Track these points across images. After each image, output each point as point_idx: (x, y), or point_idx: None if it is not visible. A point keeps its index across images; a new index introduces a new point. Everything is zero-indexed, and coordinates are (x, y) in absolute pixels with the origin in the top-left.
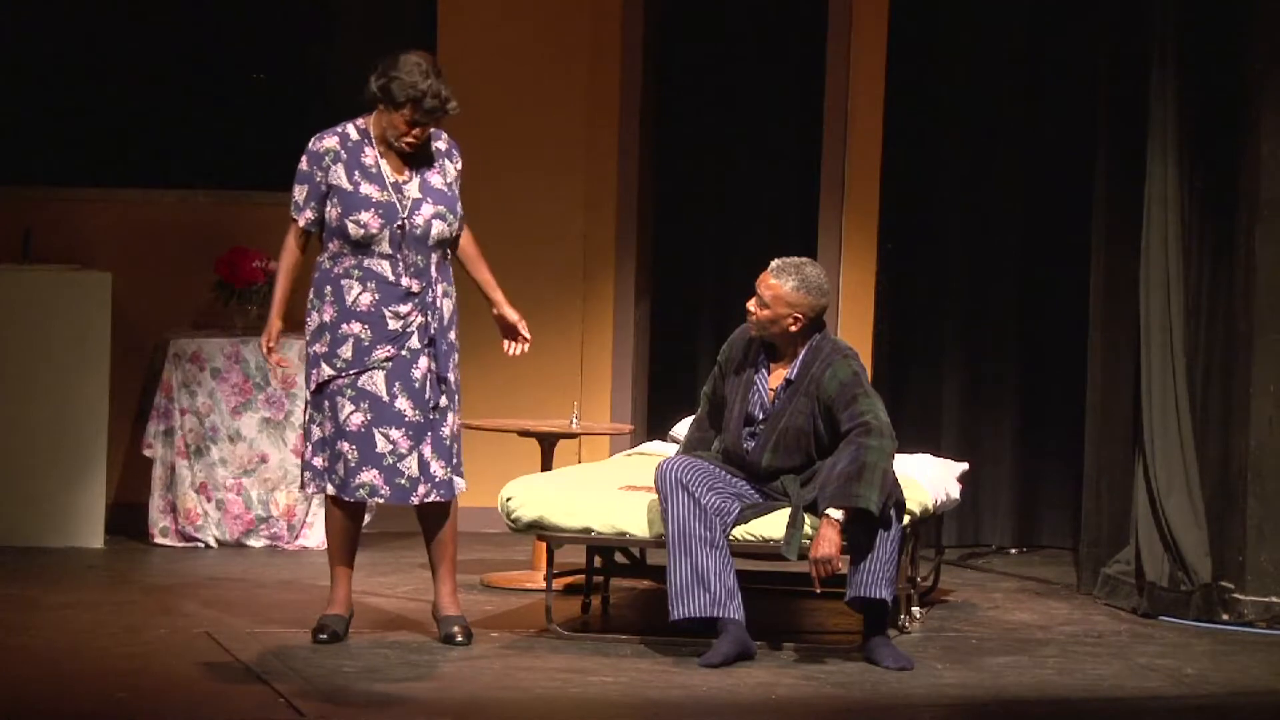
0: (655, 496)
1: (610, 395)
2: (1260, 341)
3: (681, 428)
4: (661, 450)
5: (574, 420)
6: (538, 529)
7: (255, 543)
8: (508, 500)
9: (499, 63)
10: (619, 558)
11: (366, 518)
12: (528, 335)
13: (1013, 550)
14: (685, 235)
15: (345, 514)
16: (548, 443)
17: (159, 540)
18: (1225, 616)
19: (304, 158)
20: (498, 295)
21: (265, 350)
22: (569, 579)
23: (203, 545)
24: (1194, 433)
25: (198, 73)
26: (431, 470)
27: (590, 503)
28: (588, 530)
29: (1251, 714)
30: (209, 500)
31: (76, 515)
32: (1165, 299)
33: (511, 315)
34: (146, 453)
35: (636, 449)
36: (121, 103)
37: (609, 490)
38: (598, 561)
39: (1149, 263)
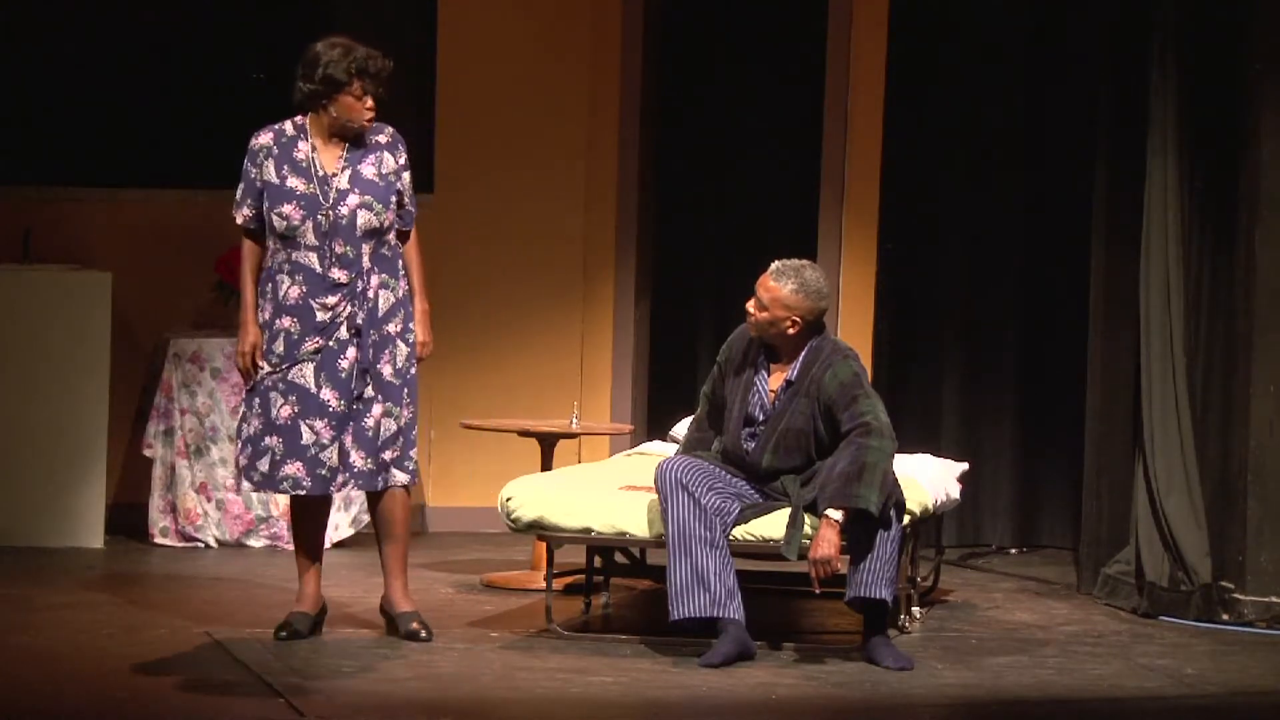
0: (655, 496)
1: (610, 395)
2: (1260, 341)
3: (681, 428)
4: (661, 450)
5: (574, 420)
6: (538, 529)
7: (255, 543)
8: (508, 500)
9: (499, 63)
10: (619, 558)
11: (366, 518)
12: (422, 355)
13: (1013, 550)
14: (685, 235)
15: (305, 512)
16: (548, 443)
17: (159, 540)
18: (1225, 616)
19: (246, 156)
20: (419, 304)
21: (249, 362)
22: (569, 579)
23: (203, 545)
24: (1194, 433)
25: (198, 73)
26: (350, 460)
27: (590, 503)
28: (588, 530)
29: (1251, 714)
30: (209, 500)
31: (76, 515)
32: (1165, 299)
33: (420, 332)
34: (146, 453)
35: (636, 449)
36: (121, 103)
37: (609, 490)
38: (598, 561)
39: (1149, 263)
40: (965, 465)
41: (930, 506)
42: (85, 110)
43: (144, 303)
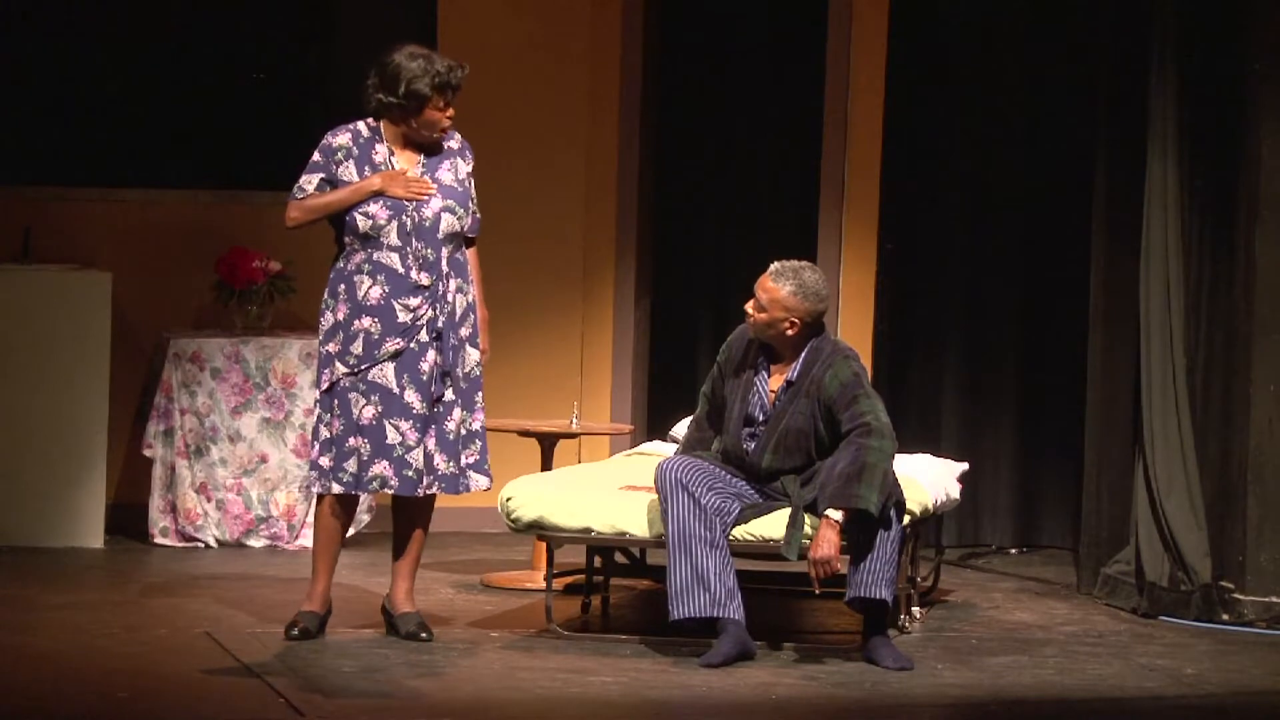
0: (655, 496)
1: (610, 395)
2: (1260, 341)
3: (681, 428)
4: (661, 450)
5: (574, 420)
6: (538, 529)
7: (255, 543)
8: (508, 500)
9: (499, 63)
10: (619, 558)
11: (366, 518)
12: (482, 362)
13: (1013, 550)
14: (685, 235)
15: (337, 513)
16: (548, 443)
17: (159, 540)
18: (1225, 616)
19: (317, 151)
20: (481, 312)
21: (401, 180)
22: (569, 579)
23: (203, 545)
24: (1194, 433)
25: (198, 73)
26: (434, 463)
27: (590, 503)
28: (588, 530)
29: (1251, 714)
30: (209, 500)
31: (76, 515)
32: (1165, 299)
33: (481, 340)
34: (146, 453)
35: (636, 449)
36: (121, 103)
37: (609, 490)
38: (598, 561)
39: (1149, 263)
40: (965, 465)
41: (930, 506)
42: (85, 110)
43: (144, 303)
